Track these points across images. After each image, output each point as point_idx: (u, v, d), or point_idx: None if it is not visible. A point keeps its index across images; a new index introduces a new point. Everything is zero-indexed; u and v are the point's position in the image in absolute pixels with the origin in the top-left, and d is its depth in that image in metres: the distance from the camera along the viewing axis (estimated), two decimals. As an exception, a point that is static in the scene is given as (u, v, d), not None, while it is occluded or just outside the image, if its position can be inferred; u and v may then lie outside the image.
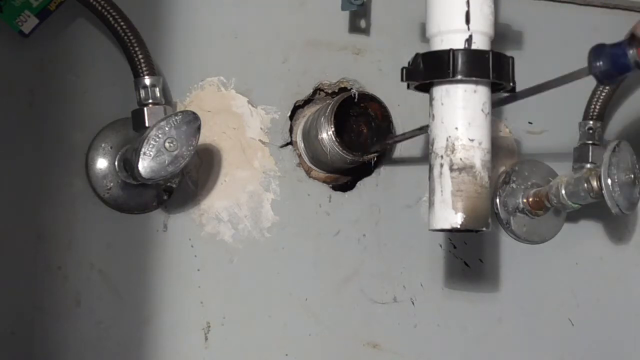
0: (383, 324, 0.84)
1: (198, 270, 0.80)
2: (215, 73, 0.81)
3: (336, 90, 0.84)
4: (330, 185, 0.84)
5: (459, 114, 0.68)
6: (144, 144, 0.69)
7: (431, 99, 0.70)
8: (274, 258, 0.82)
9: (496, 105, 0.71)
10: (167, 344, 0.79)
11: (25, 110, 0.76)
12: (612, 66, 0.63)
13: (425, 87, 0.71)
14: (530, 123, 0.90)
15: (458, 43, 0.69)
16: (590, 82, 0.85)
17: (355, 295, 0.84)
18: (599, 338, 0.90)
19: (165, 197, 0.78)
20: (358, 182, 0.85)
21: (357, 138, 0.81)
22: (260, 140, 0.82)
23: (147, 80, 0.73)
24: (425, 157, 0.71)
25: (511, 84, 0.71)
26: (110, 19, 0.73)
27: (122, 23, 0.73)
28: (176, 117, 0.70)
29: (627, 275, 0.92)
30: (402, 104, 0.83)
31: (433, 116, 0.70)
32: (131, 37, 0.73)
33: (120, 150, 0.76)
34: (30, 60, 0.77)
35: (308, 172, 0.83)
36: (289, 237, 0.82)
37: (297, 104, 0.83)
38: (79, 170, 0.77)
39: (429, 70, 0.70)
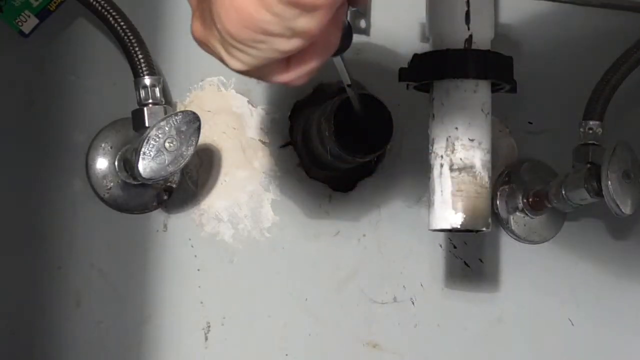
0: (383, 324, 0.84)
1: (198, 270, 0.80)
2: (215, 73, 0.81)
3: (336, 90, 0.84)
4: (330, 185, 0.84)
5: (459, 114, 0.68)
6: (144, 144, 0.69)
7: (431, 99, 0.70)
8: (274, 258, 0.82)
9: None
10: (167, 344, 0.79)
11: (24, 110, 0.77)
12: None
13: (426, 87, 0.71)
14: (530, 123, 0.90)
15: (458, 43, 0.69)
16: (590, 82, 0.85)
17: (355, 295, 0.84)
18: (599, 338, 0.90)
19: (165, 197, 0.78)
20: (358, 182, 0.85)
21: (357, 138, 0.81)
22: (260, 140, 0.82)
23: (147, 80, 0.73)
24: (426, 157, 0.71)
25: (510, 84, 0.72)
26: (110, 19, 0.73)
27: (122, 23, 0.73)
28: (176, 117, 0.70)
29: (627, 275, 0.92)
30: (402, 104, 0.83)
31: (433, 116, 0.70)
32: (131, 37, 0.73)
33: (120, 150, 0.76)
34: (30, 60, 0.77)
35: (308, 172, 0.83)
36: (289, 237, 0.82)
37: (297, 104, 0.83)
38: (79, 170, 0.77)
39: (429, 70, 0.70)
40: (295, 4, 0.42)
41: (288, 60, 0.47)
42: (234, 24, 0.44)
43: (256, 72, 0.48)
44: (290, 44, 0.45)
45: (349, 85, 0.70)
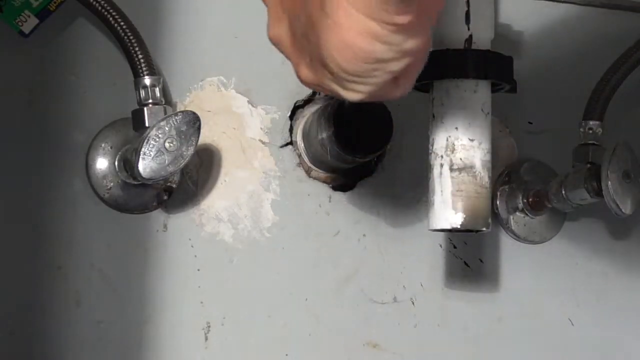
0: (383, 324, 0.84)
1: (198, 270, 0.80)
2: (215, 73, 0.81)
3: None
4: (330, 185, 0.84)
5: (459, 114, 0.68)
6: (144, 144, 0.69)
7: (431, 99, 0.70)
8: (274, 258, 0.82)
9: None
10: (167, 344, 0.79)
11: (24, 110, 0.76)
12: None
13: (425, 87, 0.71)
14: (530, 123, 0.90)
15: (458, 43, 0.69)
16: (590, 82, 0.85)
17: (355, 295, 0.84)
18: (599, 338, 0.90)
19: (165, 197, 0.78)
20: (358, 182, 0.85)
21: (358, 138, 0.81)
22: (260, 140, 0.82)
23: (147, 80, 0.73)
24: (426, 157, 0.71)
25: (511, 84, 0.72)
26: (110, 19, 0.73)
27: (122, 23, 0.73)
28: (176, 117, 0.70)
29: (627, 275, 0.92)
30: (402, 104, 0.83)
31: (433, 116, 0.70)
32: (131, 37, 0.73)
33: (120, 150, 0.76)
34: (30, 60, 0.77)
35: (308, 172, 0.83)
36: (289, 237, 0.82)
37: (297, 104, 0.83)
38: (79, 170, 0.77)
39: (429, 70, 0.70)
40: (404, 30, 0.47)
41: (396, 77, 0.51)
42: (350, 60, 0.48)
43: (372, 96, 0.52)
44: (402, 64, 0.49)
45: None
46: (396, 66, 0.49)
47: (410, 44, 0.48)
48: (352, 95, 0.51)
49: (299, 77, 0.54)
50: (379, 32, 0.46)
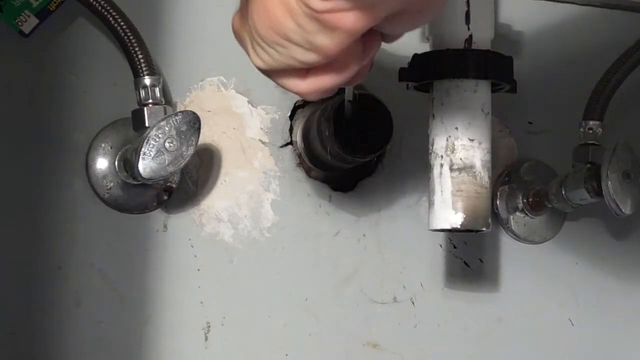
0: (383, 324, 0.84)
1: (198, 270, 0.80)
2: (215, 73, 0.81)
3: (336, 90, 0.84)
4: (330, 185, 0.84)
5: (459, 114, 0.68)
6: (144, 144, 0.69)
7: (431, 99, 0.70)
8: (274, 258, 0.82)
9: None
10: (167, 344, 0.79)
11: (25, 110, 0.77)
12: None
13: (426, 87, 0.71)
14: (530, 123, 0.90)
15: (458, 43, 0.69)
16: (590, 82, 0.85)
17: (355, 295, 0.84)
18: (599, 338, 0.90)
19: (165, 197, 0.78)
20: (358, 182, 0.85)
21: (358, 138, 0.81)
22: (260, 140, 0.82)
23: (147, 80, 0.74)
24: (426, 157, 0.71)
25: (511, 84, 0.72)
26: (110, 19, 0.73)
27: (122, 23, 0.73)
28: (176, 117, 0.70)
29: (627, 275, 0.92)
30: (402, 104, 0.83)
31: (433, 116, 0.70)
32: (131, 37, 0.73)
33: (120, 150, 0.76)
34: (30, 60, 0.77)
35: (308, 172, 0.83)
36: (289, 237, 0.82)
37: (297, 104, 0.83)
38: (79, 170, 0.77)
39: (429, 70, 0.70)
40: (317, 19, 0.46)
41: (306, 72, 0.51)
42: (262, 23, 0.48)
43: (275, 74, 0.52)
44: (306, 56, 0.48)
45: (349, 101, 0.70)
46: (301, 55, 0.48)
47: (322, 39, 0.47)
48: (255, 59, 0.51)
49: (232, 20, 0.54)
50: (294, 9, 0.46)
